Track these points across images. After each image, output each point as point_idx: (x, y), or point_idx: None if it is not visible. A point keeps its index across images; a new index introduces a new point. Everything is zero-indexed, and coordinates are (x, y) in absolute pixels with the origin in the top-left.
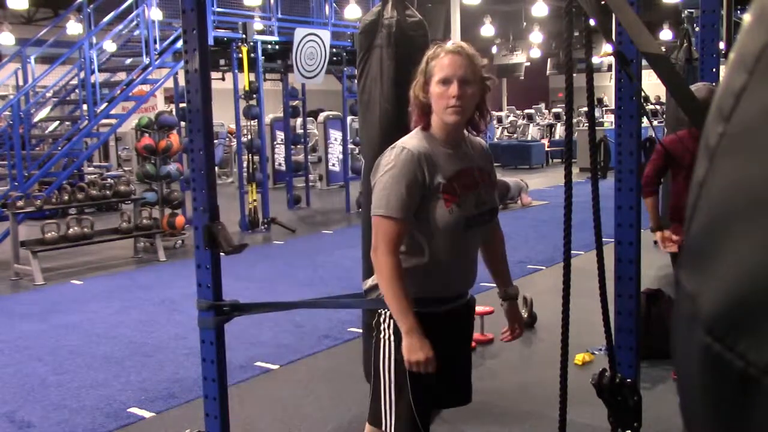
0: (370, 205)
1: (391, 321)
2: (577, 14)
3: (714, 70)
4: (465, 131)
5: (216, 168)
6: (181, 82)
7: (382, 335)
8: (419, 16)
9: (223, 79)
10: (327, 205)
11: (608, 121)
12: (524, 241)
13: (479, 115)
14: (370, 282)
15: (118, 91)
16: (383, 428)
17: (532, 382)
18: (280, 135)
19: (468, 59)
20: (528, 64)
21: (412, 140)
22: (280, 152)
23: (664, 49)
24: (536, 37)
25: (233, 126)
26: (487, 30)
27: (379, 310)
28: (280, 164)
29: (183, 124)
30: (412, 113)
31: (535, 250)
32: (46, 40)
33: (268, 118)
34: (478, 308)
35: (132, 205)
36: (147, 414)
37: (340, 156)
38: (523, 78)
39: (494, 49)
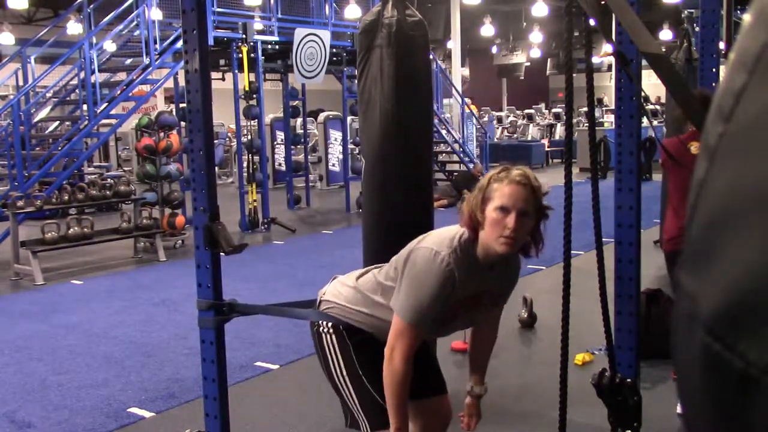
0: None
1: (332, 333)
2: (577, 14)
3: (714, 70)
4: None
5: (216, 168)
6: (181, 82)
7: (326, 347)
8: (419, 16)
9: (223, 79)
10: (327, 205)
11: (608, 121)
12: None
13: (532, 241)
14: (327, 296)
15: (118, 91)
16: (362, 430)
17: (532, 382)
18: (280, 135)
19: (531, 192)
20: (528, 64)
21: (454, 251)
22: (280, 152)
23: (664, 49)
24: (536, 37)
25: (233, 126)
26: (487, 30)
27: (320, 323)
28: (280, 164)
29: (183, 124)
30: (462, 221)
31: None
32: (46, 40)
33: (268, 118)
34: None
35: (132, 205)
36: (147, 414)
37: (340, 156)
38: (523, 78)
39: (494, 49)
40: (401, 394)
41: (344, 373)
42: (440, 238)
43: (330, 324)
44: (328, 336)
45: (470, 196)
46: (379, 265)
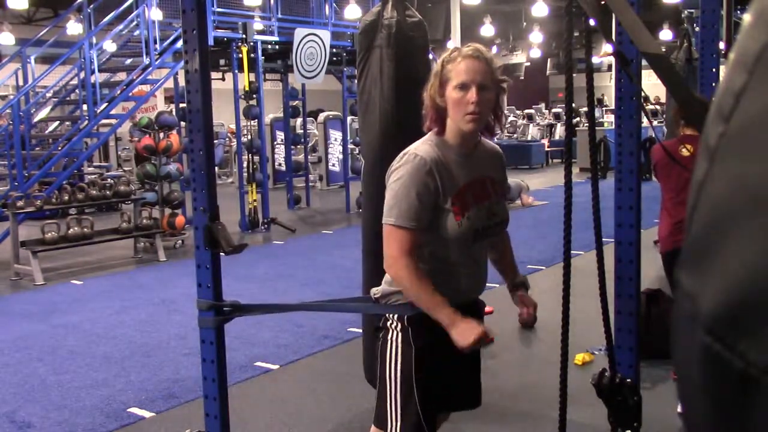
0: (380, 209)
1: (399, 326)
2: (577, 14)
3: (714, 70)
4: (479, 135)
5: (216, 168)
6: (181, 82)
7: (389, 342)
8: (419, 16)
9: (223, 79)
10: (327, 205)
11: (608, 121)
12: (524, 241)
13: (494, 118)
14: (381, 290)
15: (118, 91)
16: (388, 430)
17: (532, 382)
18: (280, 135)
19: (486, 64)
20: (528, 64)
21: (424, 146)
22: (280, 152)
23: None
24: (536, 37)
25: (233, 126)
26: (487, 30)
27: (388, 317)
28: (280, 164)
29: (183, 124)
30: (425, 117)
31: (535, 250)
32: (46, 40)
33: (268, 118)
34: None
35: (132, 205)
36: (147, 414)
37: (340, 156)
38: (523, 78)
39: (494, 49)
40: (423, 289)
41: (398, 372)
42: (413, 145)
43: (397, 318)
44: (395, 332)
45: (427, 86)
46: None
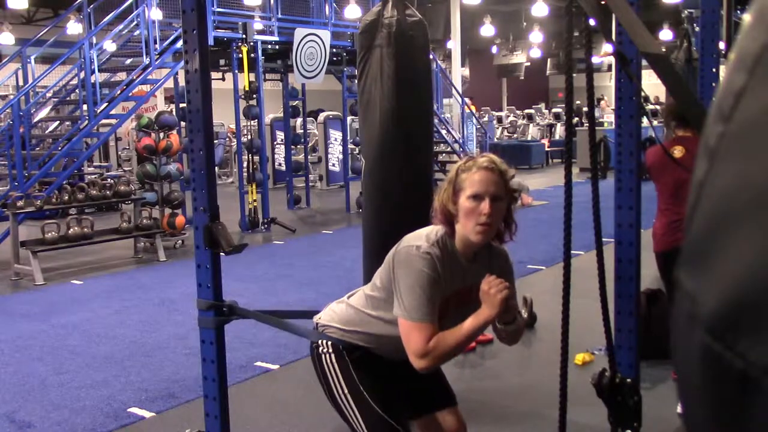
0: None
1: (329, 348)
2: (577, 14)
3: (714, 70)
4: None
5: (216, 168)
6: (181, 82)
7: (325, 365)
8: (419, 16)
9: (223, 79)
10: (327, 205)
11: (608, 121)
12: (524, 241)
13: (504, 226)
14: (323, 320)
15: (118, 91)
16: None
17: (532, 382)
18: (280, 135)
19: (500, 175)
20: (528, 64)
21: (435, 248)
22: (280, 152)
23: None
24: (536, 37)
25: (233, 126)
26: (487, 30)
27: (319, 343)
28: (280, 164)
29: (183, 124)
30: (435, 217)
31: (535, 250)
32: (46, 40)
33: (268, 118)
34: None
35: (132, 205)
36: (147, 414)
37: (340, 156)
38: (523, 78)
39: (494, 49)
40: (456, 339)
41: (345, 391)
42: (417, 235)
43: (329, 344)
44: (327, 356)
45: (440, 190)
46: (369, 284)
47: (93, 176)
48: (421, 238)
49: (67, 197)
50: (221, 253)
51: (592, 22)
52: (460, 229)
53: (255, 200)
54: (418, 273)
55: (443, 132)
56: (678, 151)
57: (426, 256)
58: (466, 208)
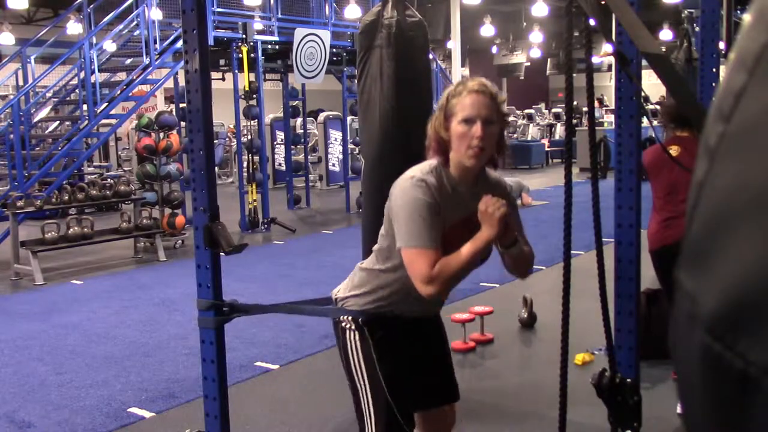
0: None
1: (353, 325)
2: (577, 14)
3: (714, 70)
4: (485, 168)
5: (216, 168)
6: (181, 82)
7: (348, 342)
8: (419, 16)
9: (223, 79)
10: (327, 205)
11: (608, 121)
12: None
13: (497, 151)
14: (341, 293)
15: (118, 91)
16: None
17: (532, 382)
18: (280, 135)
19: (491, 98)
20: (528, 64)
21: (429, 175)
22: (280, 152)
23: (664, 49)
24: (536, 37)
25: (233, 126)
26: (487, 30)
27: (341, 319)
28: (280, 164)
29: (183, 124)
30: (428, 148)
31: (535, 250)
32: (46, 40)
33: (268, 118)
34: (478, 308)
35: (132, 205)
36: (147, 414)
37: (340, 156)
38: (523, 78)
39: (494, 49)
40: (458, 263)
41: (363, 368)
42: (413, 169)
43: (351, 318)
44: (351, 333)
45: (431, 118)
46: None
47: (93, 176)
48: (414, 170)
49: (67, 197)
50: (221, 253)
51: (592, 22)
52: (454, 156)
53: (255, 200)
54: (414, 200)
55: None
56: (674, 151)
57: (421, 183)
58: (458, 133)
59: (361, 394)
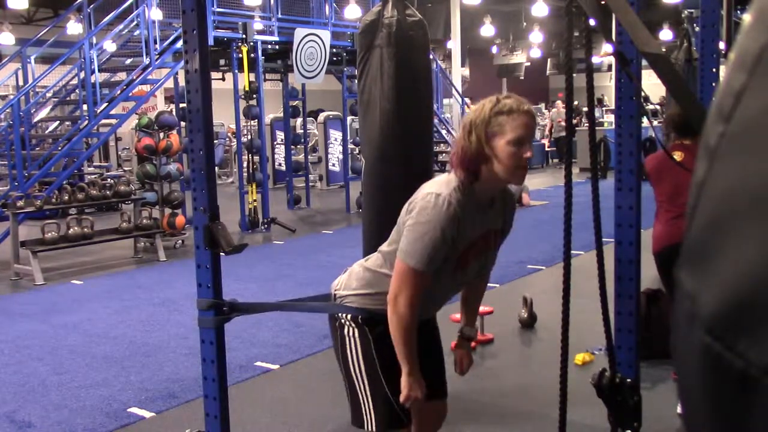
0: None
1: (353, 322)
2: (577, 14)
3: (714, 70)
4: None
5: (216, 168)
6: (181, 82)
7: (347, 338)
8: (419, 16)
9: (223, 79)
10: (327, 205)
11: (608, 121)
12: (524, 241)
13: None
14: (341, 290)
15: (118, 91)
16: (366, 428)
17: (532, 382)
18: (280, 135)
19: (534, 118)
20: (528, 64)
21: (456, 193)
22: (280, 152)
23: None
24: (536, 37)
25: (233, 126)
26: (487, 30)
27: (340, 315)
28: (280, 164)
29: (183, 124)
30: (456, 157)
31: (535, 250)
32: (46, 40)
33: (268, 118)
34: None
35: (132, 205)
36: (147, 414)
37: (340, 156)
38: (523, 78)
39: (494, 49)
40: (409, 340)
41: (362, 365)
42: (438, 183)
43: (350, 316)
44: (350, 328)
45: (465, 133)
46: None
47: (93, 176)
48: (441, 185)
49: (67, 197)
50: (221, 253)
51: (592, 22)
52: (492, 173)
53: (255, 200)
54: (432, 223)
55: (443, 132)
56: (679, 156)
57: (447, 204)
58: (507, 152)
59: (359, 390)
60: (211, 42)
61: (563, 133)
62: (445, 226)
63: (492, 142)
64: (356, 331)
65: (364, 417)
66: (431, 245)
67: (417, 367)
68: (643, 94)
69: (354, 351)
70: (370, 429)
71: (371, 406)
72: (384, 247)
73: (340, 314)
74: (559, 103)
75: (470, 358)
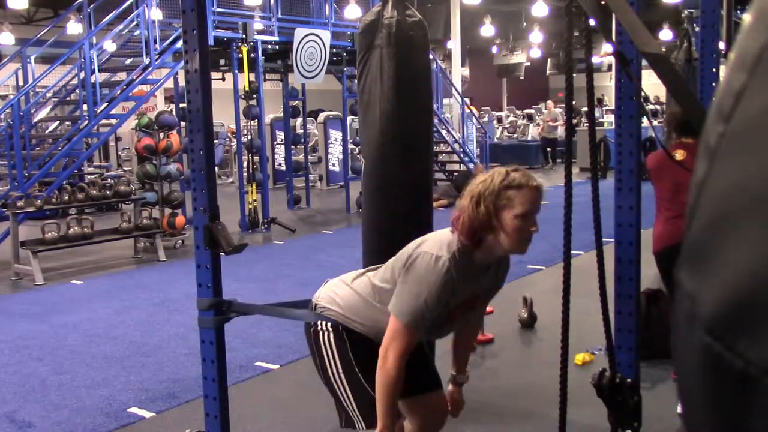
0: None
1: (330, 329)
2: (577, 14)
3: (714, 70)
4: None
5: (216, 168)
6: (181, 82)
7: (322, 344)
8: (419, 16)
9: (223, 79)
10: (327, 205)
11: (608, 121)
12: None
13: None
14: (322, 302)
15: (118, 91)
16: (357, 427)
17: (532, 382)
18: (280, 135)
19: (540, 192)
20: (528, 64)
21: (455, 258)
22: (280, 152)
23: (664, 49)
24: (536, 37)
25: (233, 126)
26: (487, 30)
27: (317, 323)
28: (280, 164)
29: (183, 124)
30: (461, 224)
31: (535, 250)
32: (46, 40)
33: (268, 118)
34: None
35: (132, 205)
36: (147, 414)
37: (340, 156)
38: (523, 78)
39: (494, 49)
40: (391, 396)
41: (340, 370)
42: (439, 243)
43: (328, 324)
44: (326, 333)
45: (472, 203)
46: (373, 267)
47: (93, 176)
48: (444, 246)
49: (67, 197)
50: (221, 253)
51: (592, 22)
52: (496, 243)
53: (255, 200)
54: (430, 285)
55: (443, 132)
56: (680, 155)
57: (446, 270)
58: (515, 226)
59: (340, 392)
60: (211, 42)
61: (552, 135)
62: (441, 290)
63: (500, 215)
64: (332, 335)
65: (353, 418)
66: (425, 306)
67: (394, 423)
68: (643, 94)
69: (330, 354)
70: (361, 428)
71: (355, 406)
72: (376, 281)
73: (317, 324)
74: (550, 103)
75: (463, 401)
